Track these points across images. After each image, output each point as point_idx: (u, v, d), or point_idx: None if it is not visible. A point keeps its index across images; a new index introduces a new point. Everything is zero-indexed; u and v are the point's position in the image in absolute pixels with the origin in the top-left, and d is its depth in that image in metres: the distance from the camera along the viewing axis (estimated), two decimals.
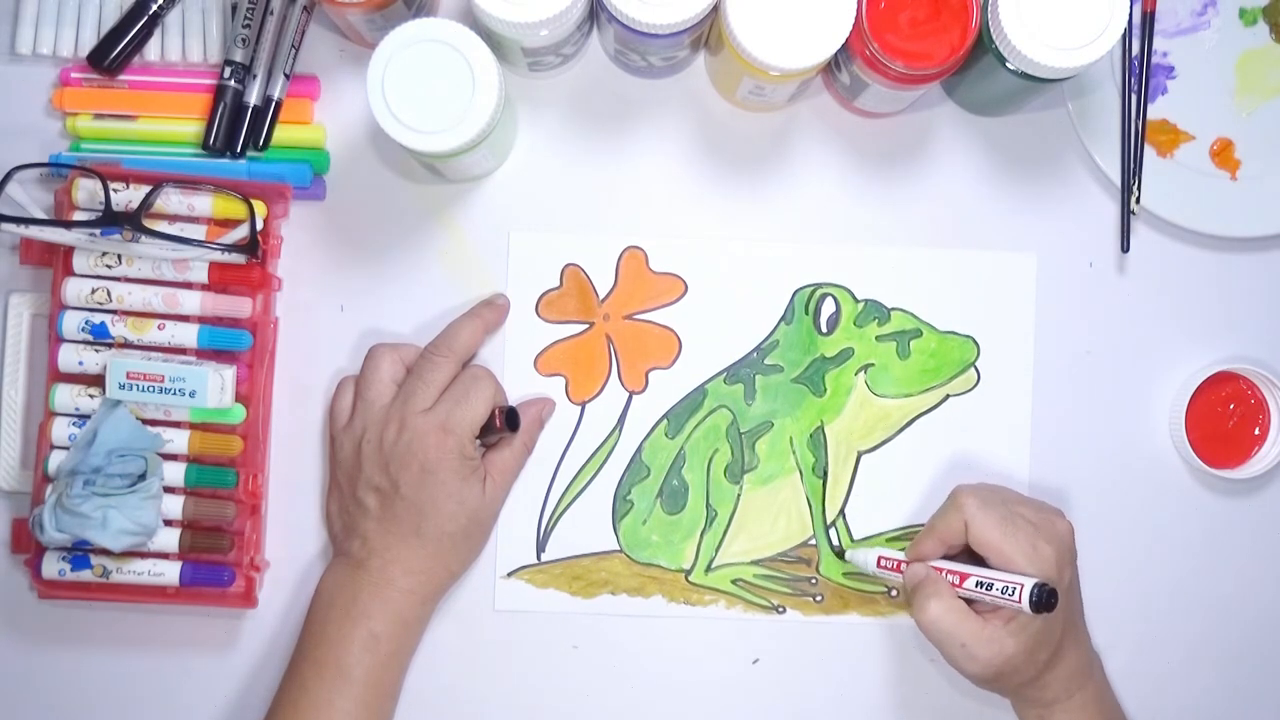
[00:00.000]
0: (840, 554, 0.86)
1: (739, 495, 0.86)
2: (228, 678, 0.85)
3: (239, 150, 0.84)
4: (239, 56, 0.84)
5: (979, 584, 0.77)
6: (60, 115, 0.85)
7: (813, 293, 0.87)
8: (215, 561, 0.83)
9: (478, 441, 0.81)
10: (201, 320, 0.83)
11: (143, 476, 0.80)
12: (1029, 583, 0.75)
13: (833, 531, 0.86)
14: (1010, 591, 0.75)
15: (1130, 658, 0.86)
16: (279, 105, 0.85)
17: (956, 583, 0.78)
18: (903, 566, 0.82)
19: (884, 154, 0.87)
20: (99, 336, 0.82)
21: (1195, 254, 0.88)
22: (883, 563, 0.83)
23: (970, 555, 0.80)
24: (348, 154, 0.87)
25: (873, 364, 0.87)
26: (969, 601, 0.78)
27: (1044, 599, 0.74)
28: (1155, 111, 0.87)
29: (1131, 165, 0.86)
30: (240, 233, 0.82)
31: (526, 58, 0.81)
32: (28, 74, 0.86)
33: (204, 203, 0.82)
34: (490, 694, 0.86)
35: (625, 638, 0.86)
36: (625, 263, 0.87)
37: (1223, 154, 0.87)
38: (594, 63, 0.87)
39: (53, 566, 0.82)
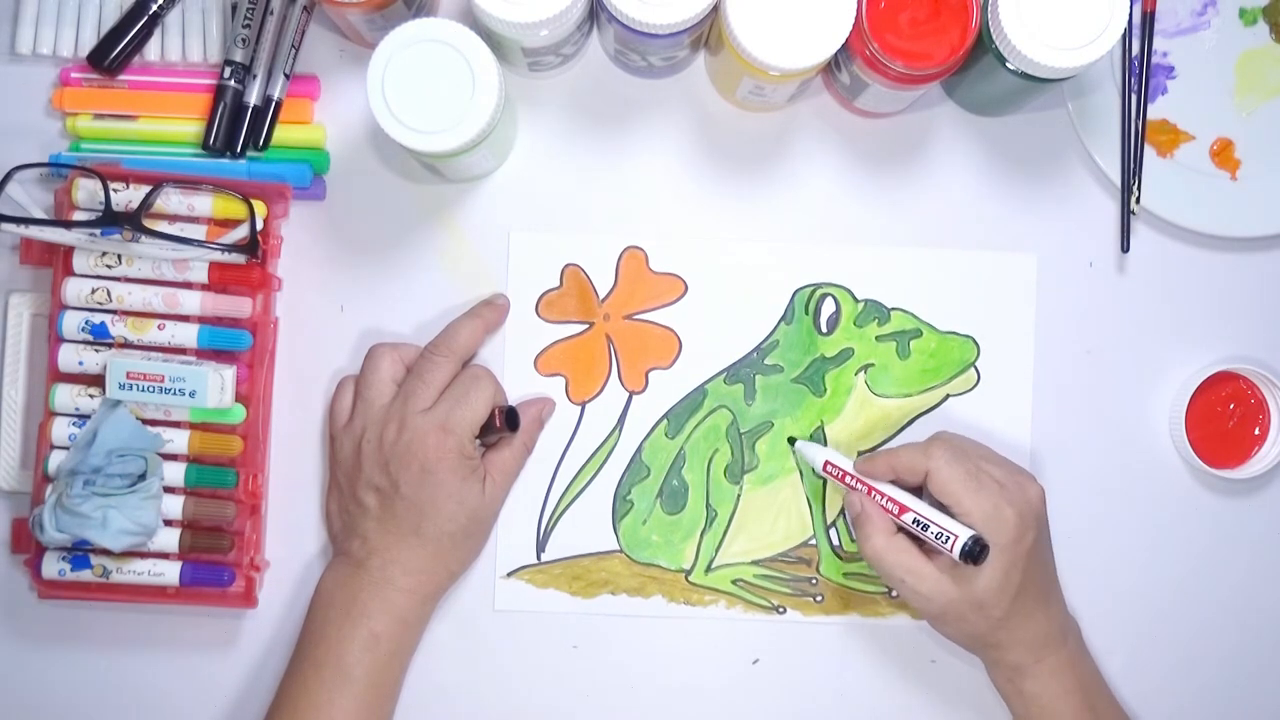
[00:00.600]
0: (794, 441, 0.86)
1: (739, 495, 0.86)
2: (228, 678, 0.85)
3: (239, 150, 0.84)
4: (239, 56, 0.84)
5: (916, 521, 0.77)
6: (60, 115, 0.85)
7: (813, 293, 0.87)
8: (215, 561, 0.83)
9: (477, 441, 0.81)
10: (201, 320, 0.83)
11: (143, 476, 0.80)
12: (964, 534, 0.75)
13: (833, 532, 0.86)
14: (944, 539, 0.76)
15: (1130, 658, 0.87)
16: (279, 105, 0.85)
17: (895, 512, 0.79)
18: (847, 479, 0.81)
19: (884, 154, 0.87)
20: (99, 336, 0.82)
21: (1195, 254, 0.88)
22: (829, 467, 0.83)
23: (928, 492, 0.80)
24: (348, 154, 0.87)
25: (873, 364, 0.87)
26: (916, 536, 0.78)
27: (975, 552, 0.75)
28: (1155, 111, 0.87)
29: (1131, 165, 0.86)
30: (240, 233, 0.82)
31: (526, 58, 0.81)
32: (28, 74, 0.86)
33: (204, 203, 0.82)
34: (490, 694, 0.86)
35: (625, 638, 0.86)
36: (625, 263, 0.87)
37: (1223, 154, 0.87)
38: (594, 63, 0.87)
39: (53, 566, 0.82)
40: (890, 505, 0.79)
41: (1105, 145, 0.86)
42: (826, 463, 0.83)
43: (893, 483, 0.80)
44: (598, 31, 0.86)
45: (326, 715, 0.78)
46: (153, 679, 0.85)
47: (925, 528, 0.77)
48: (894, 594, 0.86)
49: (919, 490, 0.80)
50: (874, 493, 0.80)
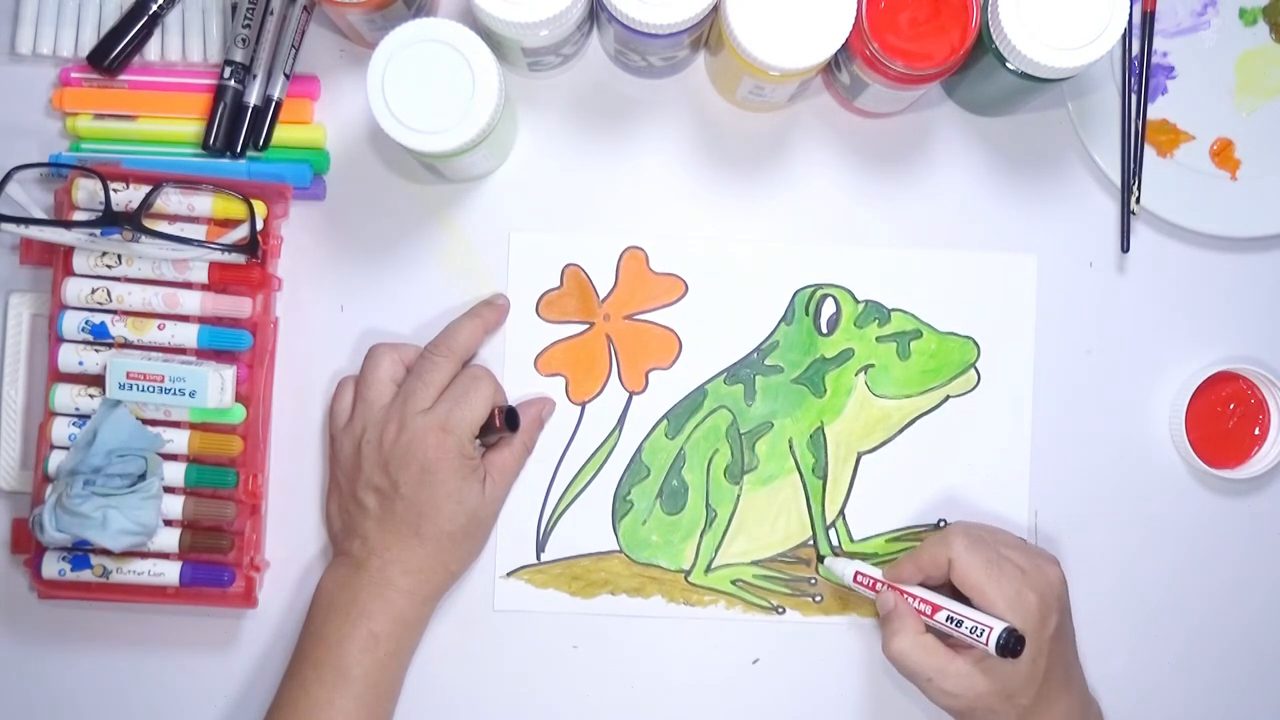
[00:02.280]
0: (823, 559, 0.86)
1: (739, 496, 0.86)
2: (228, 678, 0.85)
3: (239, 150, 0.84)
4: (239, 56, 0.84)
5: (950, 619, 0.77)
6: (60, 115, 0.85)
7: (813, 293, 0.87)
8: (215, 561, 0.83)
9: (477, 441, 0.81)
10: (201, 320, 0.83)
11: (143, 476, 0.80)
12: (999, 626, 0.75)
13: (832, 532, 0.86)
14: (979, 632, 0.76)
15: (1129, 657, 0.87)
16: (279, 105, 0.85)
17: (928, 613, 0.79)
18: (878, 586, 0.82)
19: (884, 154, 0.87)
20: (99, 336, 0.82)
21: (1195, 254, 0.88)
22: (859, 578, 0.83)
23: (954, 587, 0.80)
24: (348, 154, 0.87)
25: (873, 365, 0.87)
26: (943, 633, 0.78)
27: (1010, 644, 0.75)
28: (1155, 111, 0.87)
29: (1131, 165, 0.86)
30: (240, 233, 0.82)
31: (526, 58, 0.81)
32: (28, 74, 0.86)
33: (204, 203, 0.82)
34: (490, 694, 0.86)
35: (625, 638, 0.86)
36: (625, 263, 0.87)
37: (1223, 154, 0.87)
38: (594, 63, 0.87)
39: (53, 566, 0.82)
40: (923, 606, 0.79)
41: (1105, 145, 0.86)
42: (857, 574, 0.83)
43: (921, 584, 0.81)
44: (598, 31, 0.86)
45: (326, 715, 0.78)
46: (153, 679, 0.85)
47: (959, 624, 0.77)
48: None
49: (950, 590, 0.80)
50: (906, 595, 0.80)
